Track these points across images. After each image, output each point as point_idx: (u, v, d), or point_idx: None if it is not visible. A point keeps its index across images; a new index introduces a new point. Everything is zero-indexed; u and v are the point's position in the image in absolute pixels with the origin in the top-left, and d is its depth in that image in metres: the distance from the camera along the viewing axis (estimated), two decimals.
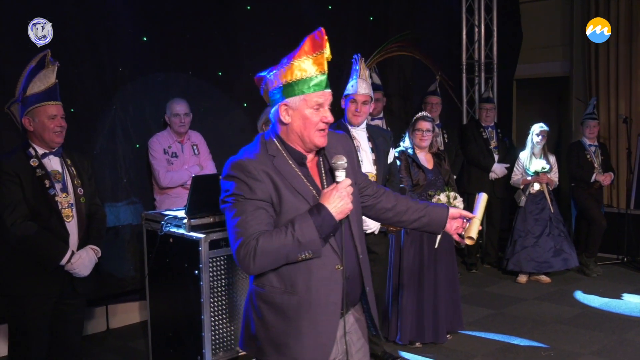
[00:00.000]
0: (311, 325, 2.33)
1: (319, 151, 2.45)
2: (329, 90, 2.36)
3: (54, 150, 3.58)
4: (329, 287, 2.34)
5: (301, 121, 2.33)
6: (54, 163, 3.57)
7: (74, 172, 3.65)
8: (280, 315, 2.33)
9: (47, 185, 3.48)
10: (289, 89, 2.32)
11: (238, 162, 2.32)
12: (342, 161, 2.31)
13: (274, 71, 2.38)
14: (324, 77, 2.32)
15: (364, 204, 2.64)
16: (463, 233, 2.65)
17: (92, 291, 3.83)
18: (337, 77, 5.47)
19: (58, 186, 3.53)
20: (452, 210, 2.64)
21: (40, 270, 3.47)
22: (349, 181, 2.30)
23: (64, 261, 3.47)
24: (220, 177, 2.38)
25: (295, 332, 2.32)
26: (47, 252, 3.45)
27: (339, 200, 2.26)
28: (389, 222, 2.76)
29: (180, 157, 5.30)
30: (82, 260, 3.53)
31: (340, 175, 2.31)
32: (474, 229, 2.63)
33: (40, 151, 3.54)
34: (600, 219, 7.00)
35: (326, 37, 2.32)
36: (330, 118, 2.35)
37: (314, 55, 2.31)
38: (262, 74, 2.45)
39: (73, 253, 3.51)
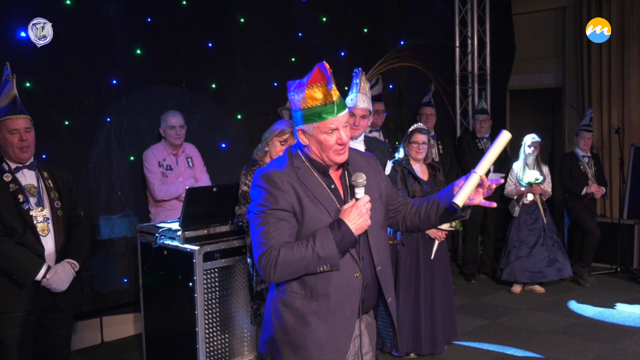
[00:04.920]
0: (329, 329, 2.41)
1: (343, 164, 2.53)
2: (343, 112, 2.42)
3: (27, 164, 3.55)
4: (347, 294, 2.43)
5: (317, 145, 2.44)
6: (28, 177, 3.54)
7: (51, 185, 3.60)
8: (299, 318, 2.42)
9: (21, 200, 3.44)
10: (304, 116, 2.42)
11: (264, 173, 2.44)
12: (361, 179, 2.38)
13: (296, 94, 2.44)
14: (333, 105, 2.39)
15: (395, 216, 2.70)
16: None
17: (75, 305, 3.76)
18: None
19: (33, 200, 3.49)
20: (458, 181, 2.53)
21: (19, 287, 3.41)
22: (367, 198, 2.39)
23: (39, 276, 3.40)
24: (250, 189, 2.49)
25: (313, 335, 2.40)
26: (22, 268, 3.38)
27: (357, 217, 2.35)
28: (420, 228, 2.71)
29: (175, 170, 5.31)
30: (58, 275, 3.46)
31: (360, 192, 2.38)
32: (463, 194, 2.40)
33: (14, 165, 3.51)
34: (595, 230, 7.03)
35: (330, 71, 2.39)
36: (345, 139, 2.42)
37: (320, 85, 2.39)
38: (291, 84, 2.50)
39: (49, 268, 3.45)
